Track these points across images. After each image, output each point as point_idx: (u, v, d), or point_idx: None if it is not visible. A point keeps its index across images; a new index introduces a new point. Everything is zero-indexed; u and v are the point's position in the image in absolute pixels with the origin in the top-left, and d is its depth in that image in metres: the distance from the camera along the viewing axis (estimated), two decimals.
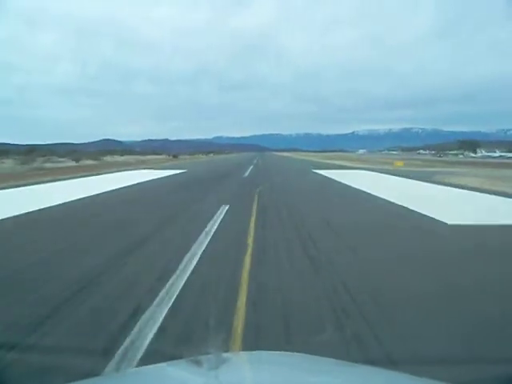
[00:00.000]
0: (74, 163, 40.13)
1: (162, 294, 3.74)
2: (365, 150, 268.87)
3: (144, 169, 30.38)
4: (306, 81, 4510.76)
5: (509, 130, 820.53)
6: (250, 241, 6.12)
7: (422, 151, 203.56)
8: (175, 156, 67.34)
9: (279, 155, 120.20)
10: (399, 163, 34.54)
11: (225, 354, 1.33)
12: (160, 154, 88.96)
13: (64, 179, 19.10)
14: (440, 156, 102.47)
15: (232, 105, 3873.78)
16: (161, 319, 3.19)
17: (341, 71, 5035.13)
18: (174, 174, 23.66)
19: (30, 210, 9.08)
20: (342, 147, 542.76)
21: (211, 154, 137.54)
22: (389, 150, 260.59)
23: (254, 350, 2.62)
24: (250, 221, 7.79)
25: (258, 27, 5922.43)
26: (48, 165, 33.04)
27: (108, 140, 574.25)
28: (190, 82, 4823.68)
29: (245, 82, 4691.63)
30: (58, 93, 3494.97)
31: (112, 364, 2.45)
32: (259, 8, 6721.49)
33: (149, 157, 72.74)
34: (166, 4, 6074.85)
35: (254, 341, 2.87)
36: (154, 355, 2.51)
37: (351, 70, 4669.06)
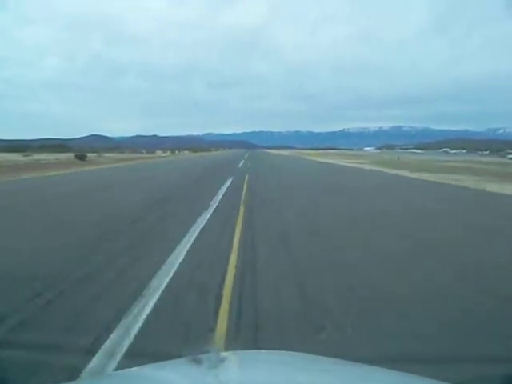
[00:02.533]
0: None
1: None
2: (372, 148, 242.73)
3: None
4: (297, 78, 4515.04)
5: (498, 129, 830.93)
6: None
7: (448, 150, 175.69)
8: (81, 157, 38.73)
9: (274, 154, 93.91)
10: None
11: (224, 353, 1.32)
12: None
13: None
14: None
15: (223, 102, 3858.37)
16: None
17: (332, 69, 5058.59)
18: None
19: None
20: (332, 145, 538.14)
21: (185, 151, 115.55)
22: (403, 149, 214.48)
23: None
24: None
25: (250, 23, 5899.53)
26: None
27: (97, 136, 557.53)
28: (180, 78, 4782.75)
29: (236, 79, 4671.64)
30: (45, 87, 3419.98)
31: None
32: (250, 3, 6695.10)
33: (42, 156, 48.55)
34: None
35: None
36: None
37: (342, 68, 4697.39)
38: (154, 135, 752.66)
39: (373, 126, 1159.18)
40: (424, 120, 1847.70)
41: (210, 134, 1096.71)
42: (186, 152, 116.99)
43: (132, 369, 1.43)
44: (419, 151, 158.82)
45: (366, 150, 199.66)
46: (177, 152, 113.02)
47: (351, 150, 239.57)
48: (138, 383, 1.26)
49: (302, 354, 1.55)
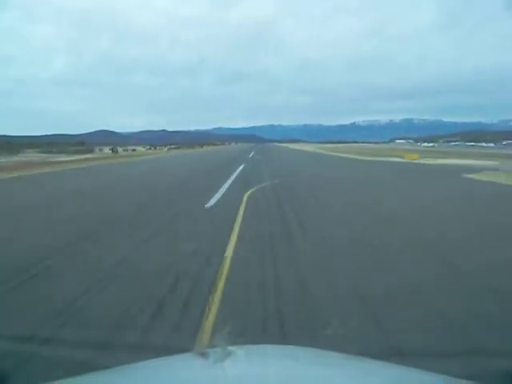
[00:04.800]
0: None
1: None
2: (410, 141, 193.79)
3: None
4: (307, 72, 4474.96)
5: (510, 120, 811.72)
6: None
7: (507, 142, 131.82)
8: None
9: (295, 150, 66.46)
10: None
11: (230, 348, 1.29)
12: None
13: None
14: None
15: (232, 96, 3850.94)
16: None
17: (341, 62, 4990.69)
18: None
19: None
20: (342, 138, 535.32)
21: (149, 148, 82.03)
22: (445, 142, 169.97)
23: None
24: None
25: (258, 18, 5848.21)
26: None
27: (104, 131, 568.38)
28: (189, 73, 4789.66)
29: (245, 73, 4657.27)
30: (54, 84, 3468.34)
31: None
32: None
33: None
34: None
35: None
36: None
37: (352, 61, 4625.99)
38: (163, 130, 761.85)
39: (383, 118, 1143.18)
40: (435, 112, 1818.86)
41: (219, 128, 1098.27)
42: (172, 147, 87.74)
43: (138, 363, 1.41)
44: (488, 144, 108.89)
45: (399, 143, 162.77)
46: (138, 149, 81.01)
47: (377, 143, 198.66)
48: (144, 377, 1.25)
49: (309, 348, 1.56)
